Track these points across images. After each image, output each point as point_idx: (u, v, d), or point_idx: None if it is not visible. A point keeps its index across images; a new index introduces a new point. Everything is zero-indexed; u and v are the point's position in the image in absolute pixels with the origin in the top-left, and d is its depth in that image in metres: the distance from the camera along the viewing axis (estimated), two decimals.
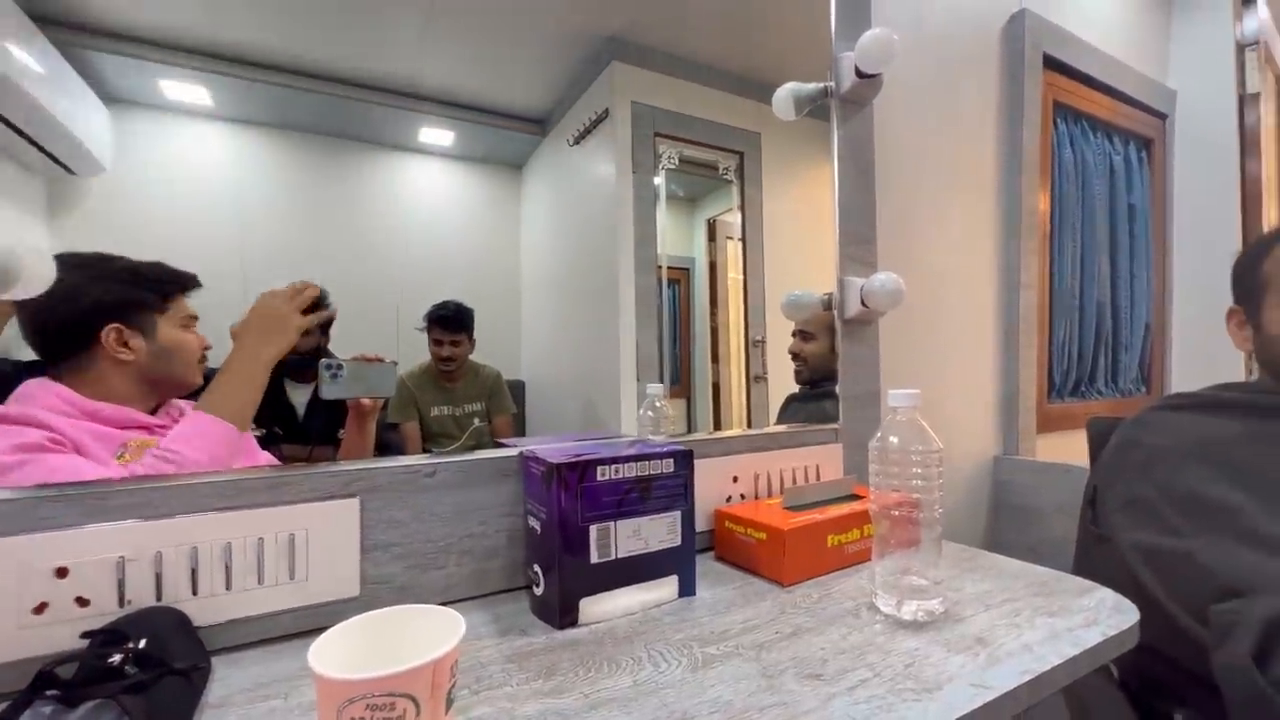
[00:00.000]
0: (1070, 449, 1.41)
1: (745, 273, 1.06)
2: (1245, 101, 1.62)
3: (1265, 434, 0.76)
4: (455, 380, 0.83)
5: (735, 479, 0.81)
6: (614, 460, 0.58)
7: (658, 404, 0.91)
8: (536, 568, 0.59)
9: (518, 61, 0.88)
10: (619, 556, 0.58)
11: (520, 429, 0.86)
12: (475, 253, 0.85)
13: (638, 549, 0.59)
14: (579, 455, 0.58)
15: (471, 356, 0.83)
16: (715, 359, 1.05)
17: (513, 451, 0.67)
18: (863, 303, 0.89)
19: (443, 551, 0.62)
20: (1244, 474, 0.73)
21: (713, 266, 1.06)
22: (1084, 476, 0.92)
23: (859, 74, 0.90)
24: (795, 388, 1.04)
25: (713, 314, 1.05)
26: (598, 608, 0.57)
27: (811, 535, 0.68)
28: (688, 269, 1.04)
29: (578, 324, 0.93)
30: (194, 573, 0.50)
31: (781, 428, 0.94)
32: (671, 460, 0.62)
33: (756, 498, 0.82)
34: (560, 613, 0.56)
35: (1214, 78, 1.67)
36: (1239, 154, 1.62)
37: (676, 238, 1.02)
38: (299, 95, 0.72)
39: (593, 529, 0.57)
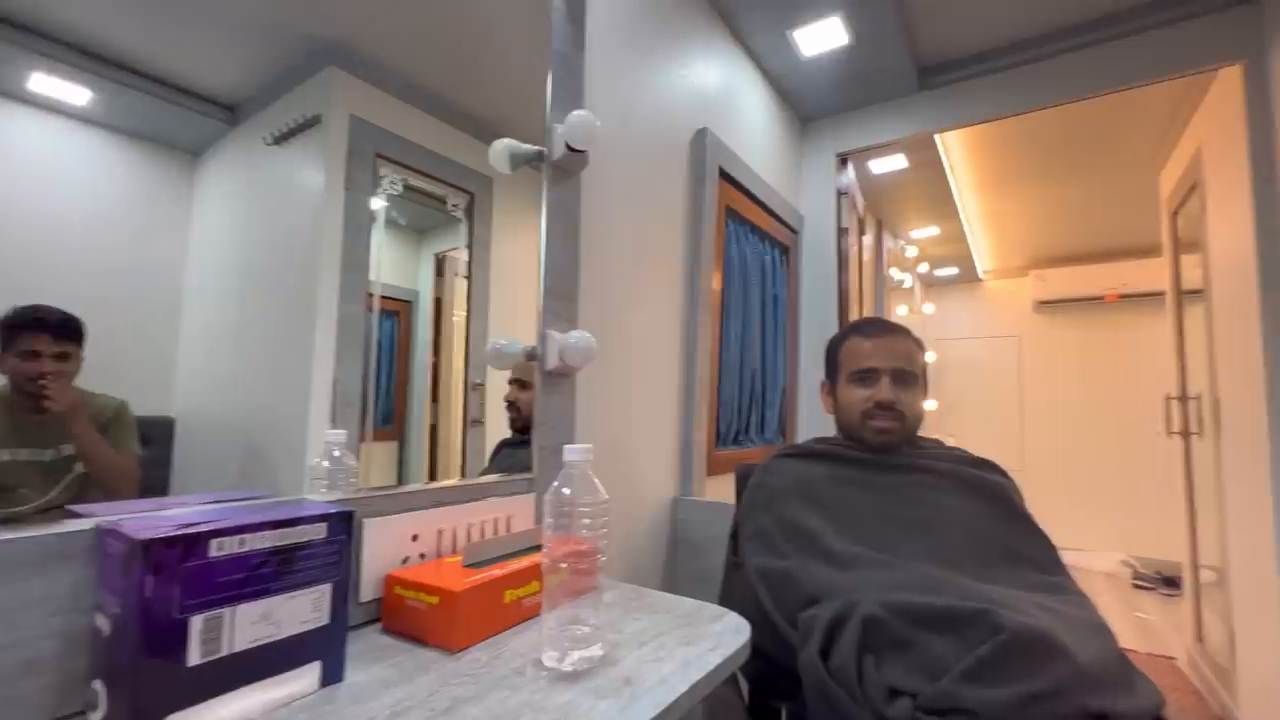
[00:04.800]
0: (732, 489, 1.69)
1: (470, 312, 1.03)
2: (840, 233, 2.27)
3: (840, 476, 1.01)
4: (46, 411, 0.59)
5: (415, 537, 0.75)
6: (240, 529, 0.48)
7: (335, 453, 0.79)
8: (98, 683, 0.44)
9: (202, 31, 0.72)
10: (235, 651, 0.47)
11: (163, 481, 0.66)
12: (116, 249, 0.64)
13: (265, 637, 0.49)
14: (187, 525, 0.46)
15: (80, 384, 0.61)
16: (435, 399, 0.99)
17: (85, 524, 0.50)
18: (560, 357, 0.94)
19: None
20: (826, 506, 0.96)
21: (438, 303, 1.00)
22: None
23: (569, 147, 0.97)
24: (510, 433, 1.04)
25: (435, 352, 0.99)
26: None
27: (487, 593, 0.66)
28: (410, 302, 0.96)
29: (258, 352, 0.77)
30: None
31: (480, 479, 0.91)
32: (324, 524, 0.54)
33: (440, 556, 0.77)
34: None
35: (824, 211, 2.29)
36: (837, 268, 2.25)
37: (399, 268, 0.94)
38: None
39: (196, 621, 0.45)
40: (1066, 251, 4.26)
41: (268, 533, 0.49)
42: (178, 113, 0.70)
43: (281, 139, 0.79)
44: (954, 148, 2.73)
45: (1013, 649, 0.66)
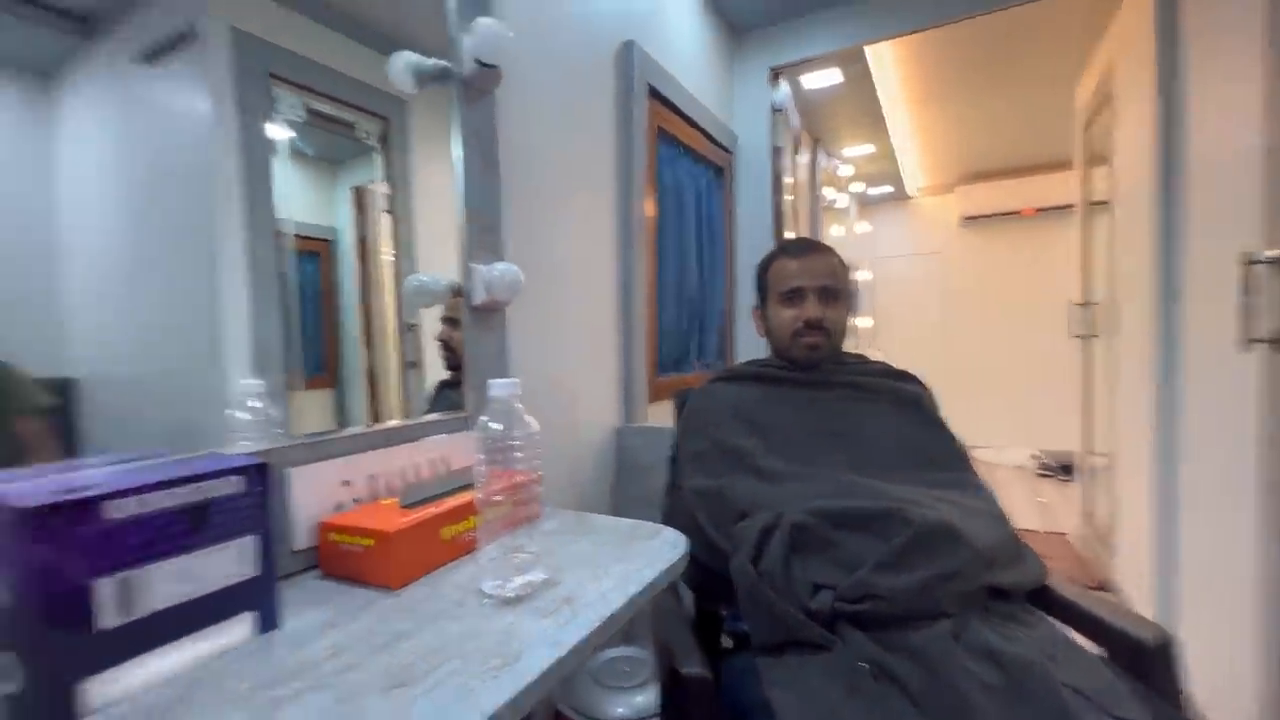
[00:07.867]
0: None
1: (397, 251, 0.96)
2: (775, 152, 2.24)
3: (771, 396, 1.05)
4: None
5: (347, 483, 0.73)
6: (137, 490, 0.45)
7: (253, 404, 0.76)
8: (6, 655, 0.42)
9: None
10: (155, 610, 0.46)
11: (68, 442, 0.60)
12: None
13: (186, 594, 0.48)
14: (73, 490, 0.43)
15: None
16: (369, 344, 0.94)
17: None
18: (487, 291, 0.90)
19: None
20: (758, 426, 1.00)
21: (363, 241, 0.94)
22: None
23: (479, 62, 0.90)
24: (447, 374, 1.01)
25: (364, 294, 0.93)
26: (118, 685, 0.44)
27: (423, 532, 0.66)
28: (330, 241, 0.89)
29: (160, 302, 0.70)
30: None
31: (402, 422, 0.89)
32: (240, 477, 0.52)
33: (375, 500, 0.76)
34: (49, 709, 0.41)
35: (758, 130, 2.25)
36: (771, 188, 2.24)
37: (314, 204, 0.87)
38: None
39: (101, 584, 0.43)
40: (989, 167, 4.39)
41: (175, 490, 0.47)
42: (11, 22, 0.60)
43: (153, 56, 0.69)
44: (884, 63, 2.70)
45: (919, 540, 0.73)
